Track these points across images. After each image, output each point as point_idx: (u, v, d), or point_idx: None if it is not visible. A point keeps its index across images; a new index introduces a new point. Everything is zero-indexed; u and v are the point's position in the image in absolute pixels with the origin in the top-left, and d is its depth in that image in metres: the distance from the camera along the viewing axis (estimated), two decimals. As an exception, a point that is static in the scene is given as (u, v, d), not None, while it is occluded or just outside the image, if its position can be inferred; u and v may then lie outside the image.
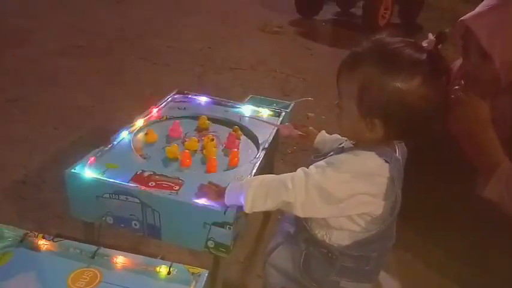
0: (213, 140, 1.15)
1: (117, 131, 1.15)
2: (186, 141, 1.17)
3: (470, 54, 1.17)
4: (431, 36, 0.77)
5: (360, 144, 0.83)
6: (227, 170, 1.07)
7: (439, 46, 0.76)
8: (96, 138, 1.12)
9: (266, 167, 1.16)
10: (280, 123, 1.31)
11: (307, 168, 0.82)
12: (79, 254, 0.76)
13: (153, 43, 3.42)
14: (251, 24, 4.20)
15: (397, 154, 0.82)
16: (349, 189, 0.78)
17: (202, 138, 1.19)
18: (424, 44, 0.77)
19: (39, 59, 2.86)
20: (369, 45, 0.79)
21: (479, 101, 1.12)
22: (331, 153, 0.88)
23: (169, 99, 1.40)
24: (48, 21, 3.62)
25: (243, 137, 1.24)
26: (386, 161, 0.78)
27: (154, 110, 1.31)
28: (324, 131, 1.09)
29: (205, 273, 0.73)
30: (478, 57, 1.14)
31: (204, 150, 1.13)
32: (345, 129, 0.85)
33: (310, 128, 1.12)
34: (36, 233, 0.79)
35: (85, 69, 2.81)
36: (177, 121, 1.22)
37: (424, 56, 0.75)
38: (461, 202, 1.28)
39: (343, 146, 0.89)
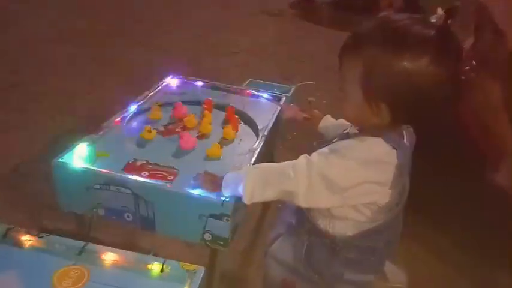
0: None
1: (109, 117, 1.10)
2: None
3: (483, 31, 1.11)
4: (440, 11, 0.71)
5: (365, 129, 0.78)
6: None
7: (449, 21, 0.70)
8: (92, 125, 1.07)
9: (266, 155, 1.11)
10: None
11: (310, 155, 0.77)
12: (65, 250, 0.71)
13: (151, 28, 3.35)
14: (250, 7, 4.12)
15: (405, 140, 0.77)
16: (354, 178, 0.73)
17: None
18: (433, 19, 0.71)
19: (37, 45, 2.80)
20: (372, 24, 0.73)
21: (490, 82, 1.06)
22: (335, 139, 0.83)
23: (165, 83, 1.34)
24: (45, 7, 3.53)
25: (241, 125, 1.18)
26: (394, 148, 0.73)
27: (149, 95, 1.25)
28: (329, 115, 1.04)
29: (201, 270, 0.68)
30: (492, 34, 1.08)
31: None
32: (349, 115, 0.80)
33: (315, 111, 1.07)
34: (20, 228, 0.73)
35: (83, 55, 2.75)
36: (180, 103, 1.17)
37: (433, 33, 0.68)
38: (472, 191, 1.24)
39: (347, 132, 0.84)
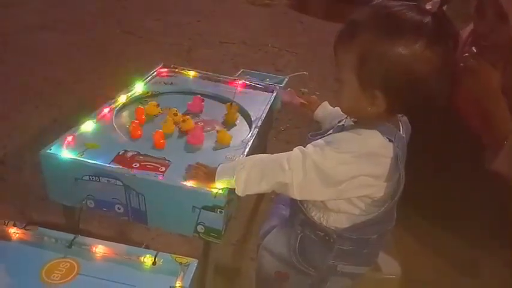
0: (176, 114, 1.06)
1: (97, 107, 1.07)
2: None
3: (485, 13, 1.08)
4: None
5: (361, 121, 0.77)
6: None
7: (444, 7, 0.69)
8: (79, 116, 1.05)
9: (259, 146, 1.09)
10: (274, 98, 1.24)
11: (304, 147, 0.75)
12: (54, 243, 0.69)
13: (139, 16, 3.29)
14: (242, -4, 4.07)
15: (401, 131, 0.76)
16: (349, 171, 0.72)
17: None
18: (428, 6, 0.70)
19: (19, 34, 2.73)
20: (366, 11, 0.72)
21: (490, 68, 1.04)
22: (330, 131, 0.82)
23: (155, 73, 1.32)
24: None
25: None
26: (389, 140, 0.72)
27: (139, 85, 1.22)
28: (326, 102, 1.02)
29: (194, 262, 0.67)
30: (494, 16, 1.05)
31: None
32: (344, 105, 0.78)
33: (313, 96, 1.05)
34: (7, 221, 0.71)
35: (67, 44, 2.69)
36: (199, 96, 1.15)
37: (427, 19, 0.67)
38: (466, 181, 1.23)
39: (343, 124, 0.83)
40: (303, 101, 1.04)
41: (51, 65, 2.37)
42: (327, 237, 0.81)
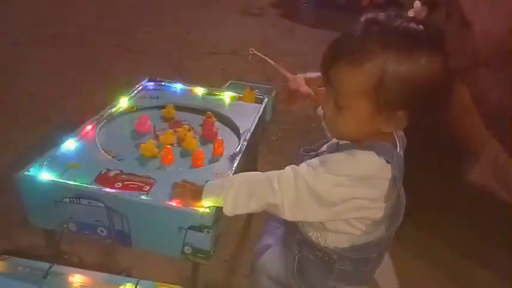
0: (189, 130, 1.05)
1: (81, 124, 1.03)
2: (158, 134, 1.05)
3: (452, 21, 1.08)
4: (418, 4, 0.67)
5: (358, 141, 0.71)
6: (213, 161, 0.97)
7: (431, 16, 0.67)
8: (67, 133, 1.01)
9: (249, 159, 1.06)
10: (263, 110, 1.20)
11: (294, 158, 0.72)
12: (29, 273, 0.65)
13: (128, 29, 3.27)
14: (230, 7, 4.07)
15: (398, 148, 0.72)
16: (343, 193, 0.68)
17: (177, 129, 1.07)
18: (411, 13, 0.66)
19: (7, 49, 2.69)
20: (362, 29, 0.66)
21: (459, 84, 1.04)
22: (324, 147, 0.79)
23: (140, 87, 1.28)
24: (17, 8, 3.41)
25: (222, 127, 1.13)
26: (387, 161, 0.68)
27: (124, 100, 1.19)
28: None
29: (178, 290, 0.62)
30: (460, 24, 1.05)
31: (182, 143, 1.02)
32: (348, 130, 0.71)
33: (323, 88, 1.00)
34: (-22, 251, 0.66)
35: (56, 58, 2.66)
36: (145, 114, 1.10)
37: (431, 30, 0.64)
38: (462, 191, 1.21)
39: (337, 142, 0.78)
40: (310, 90, 0.96)
41: (40, 80, 2.33)
42: (326, 258, 0.76)
